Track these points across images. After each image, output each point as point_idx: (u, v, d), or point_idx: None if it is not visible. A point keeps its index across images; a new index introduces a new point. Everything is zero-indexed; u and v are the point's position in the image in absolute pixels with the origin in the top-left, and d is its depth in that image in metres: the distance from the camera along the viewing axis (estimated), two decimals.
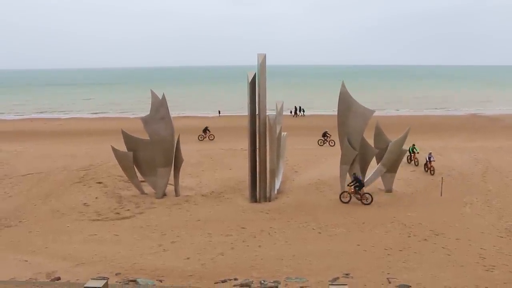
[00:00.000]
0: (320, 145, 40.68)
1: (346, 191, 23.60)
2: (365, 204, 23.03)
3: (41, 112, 78.19)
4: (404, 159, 29.31)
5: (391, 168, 25.14)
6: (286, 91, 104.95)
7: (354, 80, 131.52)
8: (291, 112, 63.39)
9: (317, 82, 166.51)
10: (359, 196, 23.17)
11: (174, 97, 72.98)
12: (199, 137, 44.68)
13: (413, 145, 31.39)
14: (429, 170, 28.94)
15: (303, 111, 66.12)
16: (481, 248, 17.23)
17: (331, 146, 39.15)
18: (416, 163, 31.00)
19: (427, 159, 29.03)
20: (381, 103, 76.44)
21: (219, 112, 69.75)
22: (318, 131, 43.45)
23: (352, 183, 23.41)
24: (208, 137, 45.04)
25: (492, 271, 15.24)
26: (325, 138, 41.30)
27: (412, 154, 31.51)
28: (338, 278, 14.65)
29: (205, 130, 45.76)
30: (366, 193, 23.38)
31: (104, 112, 76.84)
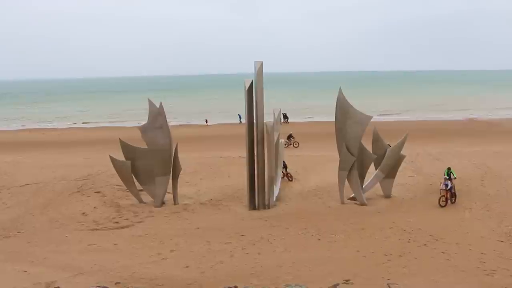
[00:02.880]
0: (285, 147, 41.21)
1: (443, 195, 23.45)
2: (453, 203, 23.48)
3: (40, 122, 78.17)
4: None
5: (390, 174, 25.15)
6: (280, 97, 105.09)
7: (357, 87, 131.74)
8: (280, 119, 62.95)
9: (314, 89, 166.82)
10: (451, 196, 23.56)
11: (172, 106, 73.24)
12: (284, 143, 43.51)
13: (449, 168, 25.13)
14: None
15: (287, 118, 65.73)
16: (481, 253, 17.21)
17: (295, 147, 42.52)
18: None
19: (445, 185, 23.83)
20: (386, 109, 76.73)
21: (206, 121, 69.67)
22: (315, 137, 43.57)
23: (444, 187, 23.50)
24: (293, 144, 43.59)
25: (492, 276, 15.23)
26: (289, 140, 43.60)
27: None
28: (338, 284, 14.64)
29: (289, 137, 44.25)
30: (453, 193, 23.81)
31: (102, 121, 76.80)
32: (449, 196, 23.48)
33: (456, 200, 23.74)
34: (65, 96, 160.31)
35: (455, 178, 24.69)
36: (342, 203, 24.29)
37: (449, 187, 23.39)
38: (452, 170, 24.90)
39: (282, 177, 28.77)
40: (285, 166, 29.44)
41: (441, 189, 23.66)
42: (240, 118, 66.08)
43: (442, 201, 23.29)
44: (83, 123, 75.69)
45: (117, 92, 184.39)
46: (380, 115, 67.93)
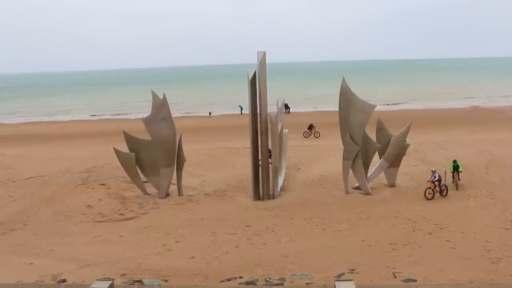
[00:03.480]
0: (306, 137, 42.78)
1: (430, 187, 22.97)
2: (443, 196, 23.05)
3: (43, 115, 78.20)
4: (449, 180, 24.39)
5: (394, 163, 25.11)
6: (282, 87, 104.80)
7: (359, 76, 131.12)
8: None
9: (317, 79, 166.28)
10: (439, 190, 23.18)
11: (175, 97, 73.05)
12: (305, 134, 43.19)
13: (454, 161, 24.68)
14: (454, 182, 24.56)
15: (289, 108, 65.26)
16: (486, 241, 17.20)
17: (316, 137, 42.15)
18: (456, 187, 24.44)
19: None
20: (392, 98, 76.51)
21: (210, 113, 69.37)
22: (319, 127, 43.41)
23: (432, 179, 23.04)
24: (314, 134, 43.01)
25: (498, 264, 15.23)
26: (311, 130, 43.42)
27: (455, 173, 24.48)
28: (343, 273, 14.66)
29: (310, 127, 43.62)
30: (444, 185, 23.42)
31: (105, 114, 76.80)
32: (438, 188, 22.99)
33: (448, 193, 23.14)
34: (68, 89, 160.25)
35: (461, 171, 24.23)
36: (347, 192, 24.29)
37: (436, 179, 22.95)
38: (458, 162, 24.42)
39: (309, 136, 30.04)
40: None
41: (428, 181, 23.24)
42: (241, 109, 65.90)
43: (428, 193, 22.82)
44: (91, 115, 75.58)
45: (119, 84, 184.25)
46: (384, 104, 67.73)
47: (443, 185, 23.30)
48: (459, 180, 24.51)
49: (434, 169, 23.41)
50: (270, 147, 25.10)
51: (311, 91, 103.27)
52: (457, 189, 24.15)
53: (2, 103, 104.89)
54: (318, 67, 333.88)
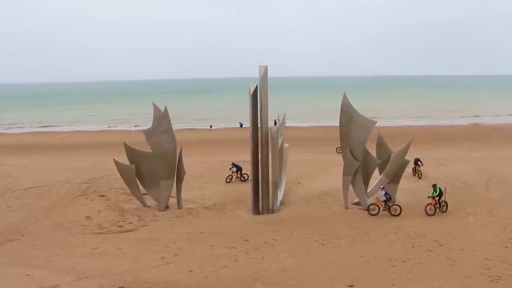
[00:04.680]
0: (338, 153, 36.32)
1: (374, 203, 23.41)
2: (393, 215, 22.93)
3: (44, 126, 78.34)
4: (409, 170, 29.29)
5: (394, 179, 25.08)
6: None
7: (361, 92, 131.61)
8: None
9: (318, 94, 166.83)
10: (386, 208, 23.17)
11: (177, 110, 73.32)
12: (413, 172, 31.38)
13: (434, 185, 24.21)
14: (417, 174, 30.76)
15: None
16: (486, 259, 17.14)
17: (419, 178, 30.60)
18: (420, 176, 30.92)
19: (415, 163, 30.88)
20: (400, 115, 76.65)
21: (211, 126, 69.53)
22: (320, 142, 43.47)
23: (380, 197, 23.33)
24: (418, 174, 30.92)
25: (497, 282, 15.17)
26: (417, 166, 31.51)
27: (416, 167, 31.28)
28: None
29: (416, 162, 31.36)
30: (396, 204, 23.43)
31: (106, 125, 76.96)
32: (387, 207, 23.12)
33: (402, 213, 23.00)
34: (71, 100, 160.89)
35: (437, 195, 23.17)
36: (346, 208, 24.24)
37: (382, 195, 23.12)
38: (438, 186, 23.46)
39: (236, 178, 30.13)
40: (239, 168, 30.45)
41: (377, 199, 23.47)
42: (241, 125, 66.00)
43: (373, 209, 23.19)
44: (92, 126, 75.68)
45: (122, 95, 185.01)
46: (387, 120, 67.94)
47: (443, 201, 23.31)
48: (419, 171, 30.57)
49: (383, 187, 23.83)
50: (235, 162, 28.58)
51: (312, 105, 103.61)
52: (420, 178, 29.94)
53: (4, 113, 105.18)
54: (320, 81, 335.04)
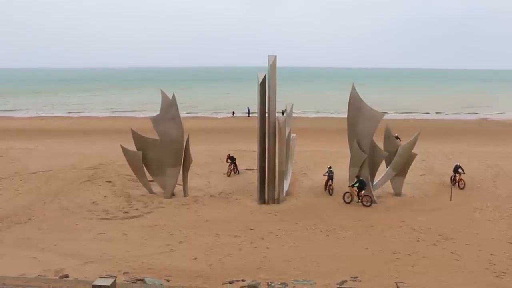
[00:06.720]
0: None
1: (348, 192, 23.81)
2: (365, 206, 23.21)
3: (52, 110, 78.61)
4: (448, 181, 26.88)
5: (401, 172, 25.01)
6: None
7: (369, 84, 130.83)
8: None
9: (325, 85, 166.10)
10: (359, 198, 23.41)
11: (185, 98, 73.30)
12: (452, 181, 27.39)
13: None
14: (457, 184, 26.40)
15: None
16: (491, 254, 17.08)
17: (460, 188, 26.41)
18: (462, 186, 26.33)
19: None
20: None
21: (233, 113, 69.49)
22: (327, 133, 43.33)
23: (353, 184, 23.57)
24: (459, 184, 26.34)
25: (502, 278, 15.10)
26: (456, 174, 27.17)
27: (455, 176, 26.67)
28: (346, 281, 14.59)
29: (456, 169, 26.95)
30: (366, 195, 23.44)
31: (114, 111, 77.12)
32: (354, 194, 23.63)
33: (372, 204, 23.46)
34: (81, 86, 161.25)
35: (357, 186, 23.58)
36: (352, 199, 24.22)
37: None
38: (360, 178, 23.79)
39: (230, 170, 29.38)
40: (233, 160, 29.77)
41: (350, 186, 23.95)
42: (248, 111, 65.91)
43: (347, 197, 23.84)
44: (101, 112, 75.89)
45: (130, 82, 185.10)
46: (395, 113, 67.62)
47: (461, 179, 24.56)
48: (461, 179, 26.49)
49: (357, 175, 23.97)
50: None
51: (321, 96, 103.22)
52: (462, 188, 26.17)
53: (15, 97, 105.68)
54: (328, 73, 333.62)
